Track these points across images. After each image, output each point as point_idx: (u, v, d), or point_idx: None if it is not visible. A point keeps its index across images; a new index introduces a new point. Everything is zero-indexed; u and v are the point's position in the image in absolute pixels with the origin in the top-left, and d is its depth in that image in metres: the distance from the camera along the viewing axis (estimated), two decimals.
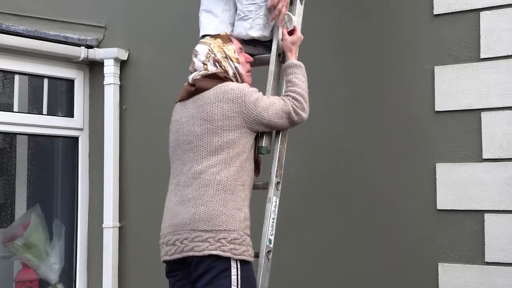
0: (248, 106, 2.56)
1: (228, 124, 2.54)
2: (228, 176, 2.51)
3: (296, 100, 2.67)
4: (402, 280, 3.42)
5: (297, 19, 2.98)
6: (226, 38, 2.76)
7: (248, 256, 2.49)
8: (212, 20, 3.10)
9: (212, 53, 2.70)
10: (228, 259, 2.44)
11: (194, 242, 2.45)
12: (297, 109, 2.66)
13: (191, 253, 2.46)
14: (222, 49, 2.70)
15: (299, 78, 2.72)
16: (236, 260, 2.45)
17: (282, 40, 2.86)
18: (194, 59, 2.74)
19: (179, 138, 2.66)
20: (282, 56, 2.94)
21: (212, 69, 2.68)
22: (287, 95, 2.70)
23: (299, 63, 2.78)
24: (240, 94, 2.57)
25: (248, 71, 2.78)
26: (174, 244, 2.51)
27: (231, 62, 2.70)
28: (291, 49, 2.82)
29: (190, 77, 2.73)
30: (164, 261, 2.61)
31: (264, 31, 3.01)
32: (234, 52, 2.72)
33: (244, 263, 2.47)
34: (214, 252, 2.42)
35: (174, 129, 2.72)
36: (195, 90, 2.64)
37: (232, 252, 2.44)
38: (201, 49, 2.73)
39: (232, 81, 2.67)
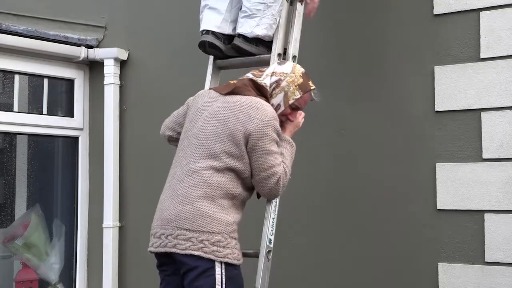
0: (256, 131, 2.49)
1: (234, 135, 2.50)
2: (220, 181, 2.49)
3: (285, 173, 2.60)
4: (402, 280, 3.42)
5: (297, 19, 2.98)
6: (305, 88, 2.66)
7: (233, 259, 2.47)
8: (215, 17, 3.08)
9: (284, 76, 2.65)
10: (211, 259, 2.43)
11: (178, 240, 2.46)
12: (281, 180, 2.57)
13: (173, 250, 2.47)
14: (291, 85, 2.64)
15: (288, 155, 2.65)
16: (220, 262, 2.45)
17: (291, 120, 2.73)
18: (276, 65, 2.70)
19: (191, 129, 2.63)
20: (282, 57, 2.95)
21: (267, 82, 2.64)
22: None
23: (292, 142, 2.70)
24: (262, 117, 2.50)
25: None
26: (160, 237, 2.53)
27: (282, 98, 2.64)
28: (291, 131, 2.74)
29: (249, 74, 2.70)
30: (150, 252, 2.61)
31: (270, 31, 3.01)
32: (293, 99, 2.64)
33: (228, 264, 2.47)
34: (196, 253, 2.42)
35: (191, 115, 2.68)
36: (232, 91, 2.60)
37: (215, 254, 2.43)
38: (287, 67, 2.68)
39: (267, 101, 2.62)
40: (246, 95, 2.58)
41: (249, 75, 2.70)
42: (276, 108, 2.64)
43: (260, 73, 2.70)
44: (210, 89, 2.77)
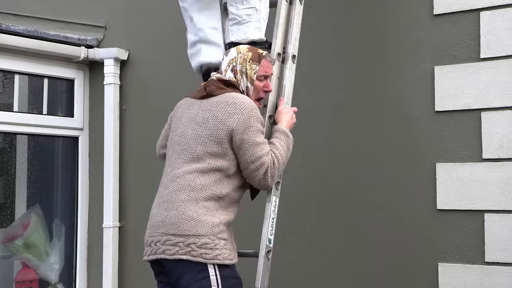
0: (238, 126, 2.50)
1: (216, 134, 2.51)
2: (204, 184, 2.48)
3: (273, 164, 2.56)
4: (402, 280, 3.42)
5: (296, 19, 2.98)
6: (257, 57, 2.68)
7: (223, 260, 2.46)
8: (215, 51, 3.04)
9: (235, 61, 2.67)
10: (201, 263, 2.42)
11: (165, 246, 2.46)
12: (269, 170, 2.54)
13: (163, 256, 2.47)
14: (246, 64, 2.66)
15: (282, 145, 2.63)
16: (212, 264, 2.44)
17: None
18: (225, 57, 2.73)
19: (173, 138, 2.66)
20: (282, 56, 2.95)
21: (229, 75, 2.66)
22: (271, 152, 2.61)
23: (289, 133, 2.69)
24: (241, 110, 2.51)
25: (259, 99, 2.72)
26: (150, 245, 2.54)
27: (245, 79, 2.66)
28: (287, 121, 2.74)
29: (212, 75, 2.73)
30: (145, 261, 2.62)
31: (262, 34, 3.06)
32: (254, 74, 2.67)
33: (220, 265, 2.45)
34: (184, 257, 2.42)
35: (173, 126, 2.71)
36: (206, 94, 2.62)
37: (203, 257, 2.42)
38: (231, 52, 2.71)
39: (242, 93, 2.64)
40: (220, 93, 2.58)
41: (213, 76, 2.71)
42: (247, 91, 2.66)
43: (221, 71, 2.72)
44: (186, 97, 2.77)
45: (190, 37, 3.12)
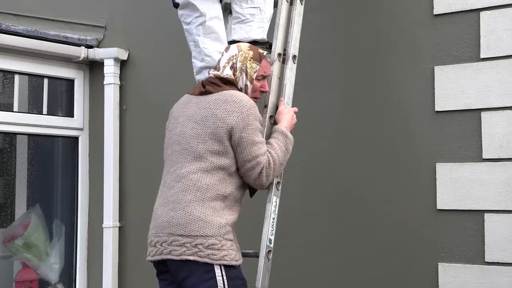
0: (238, 123, 2.50)
1: (216, 132, 2.50)
2: (209, 184, 2.48)
3: (269, 164, 2.56)
4: (402, 280, 3.42)
5: (297, 19, 2.99)
6: (258, 56, 2.69)
7: (230, 260, 2.46)
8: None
9: (235, 58, 2.66)
10: (208, 263, 2.42)
11: (172, 246, 2.46)
12: (264, 170, 2.54)
13: (169, 257, 2.46)
14: (246, 62, 2.66)
15: (279, 146, 2.62)
16: (218, 264, 2.44)
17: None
18: (225, 53, 2.72)
19: (172, 137, 2.65)
20: (282, 57, 2.95)
21: (228, 72, 2.65)
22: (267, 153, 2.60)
23: (288, 133, 2.68)
24: (240, 109, 2.51)
25: (255, 98, 2.71)
26: (155, 245, 2.53)
27: (245, 77, 2.66)
28: (288, 121, 2.73)
29: (210, 73, 2.72)
30: (148, 261, 2.62)
31: (264, 34, 3.07)
32: (254, 73, 2.67)
33: (227, 266, 2.46)
34: (191, 258, 2.41)
35: (170, 126, 2.70)
36: (205, 91, 2.62)
37: (210, 258, 2.42)
38: (232, 49, 2.70)
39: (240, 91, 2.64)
40: (218, 91, 2.58)
41: (210, 73, 2.71)
42: (245, 89, 2.66)
43: (218, 68, 2.71)
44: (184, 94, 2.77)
45: (196, 63, 3.04)
